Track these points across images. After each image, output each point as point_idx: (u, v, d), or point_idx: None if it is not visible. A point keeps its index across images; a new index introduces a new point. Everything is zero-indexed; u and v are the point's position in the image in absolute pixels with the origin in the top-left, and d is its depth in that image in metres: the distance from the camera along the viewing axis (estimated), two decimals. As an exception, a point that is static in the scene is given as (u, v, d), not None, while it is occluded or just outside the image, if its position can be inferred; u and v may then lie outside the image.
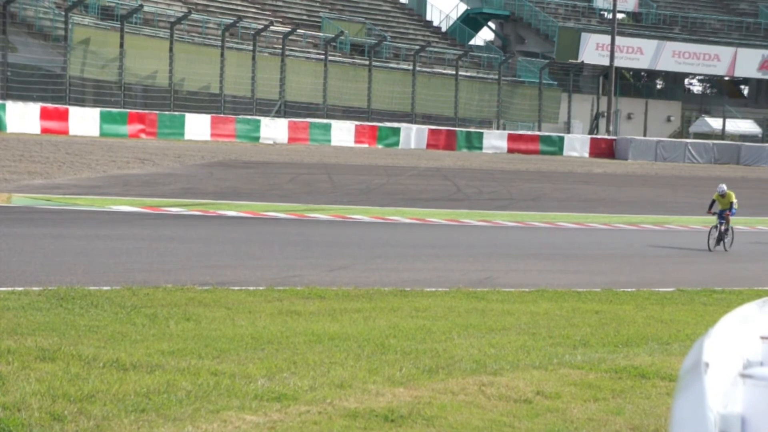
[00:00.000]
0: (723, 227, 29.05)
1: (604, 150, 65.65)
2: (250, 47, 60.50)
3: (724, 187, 29.85)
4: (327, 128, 57.59)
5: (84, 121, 49.56)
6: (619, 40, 74.16)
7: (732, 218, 29.33)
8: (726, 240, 29.07)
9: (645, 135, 75.10)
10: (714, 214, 29.69)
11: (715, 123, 79.16)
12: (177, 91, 57.51)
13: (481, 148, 61.97)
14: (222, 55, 58.67)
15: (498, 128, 68.34)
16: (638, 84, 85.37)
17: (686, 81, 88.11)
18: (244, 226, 26.75)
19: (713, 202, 29.85)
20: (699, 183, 52.39)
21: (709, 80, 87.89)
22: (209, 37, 61.88)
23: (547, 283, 20.47)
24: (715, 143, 69.61)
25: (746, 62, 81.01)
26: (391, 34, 70.78)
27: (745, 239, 31.34)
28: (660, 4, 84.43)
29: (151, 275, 17.29)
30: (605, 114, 72.51)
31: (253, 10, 67.21)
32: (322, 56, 63.21)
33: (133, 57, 55.69)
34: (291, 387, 9.94)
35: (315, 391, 9.85)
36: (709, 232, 29.15)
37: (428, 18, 78.62)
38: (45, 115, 48.33)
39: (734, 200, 28.80)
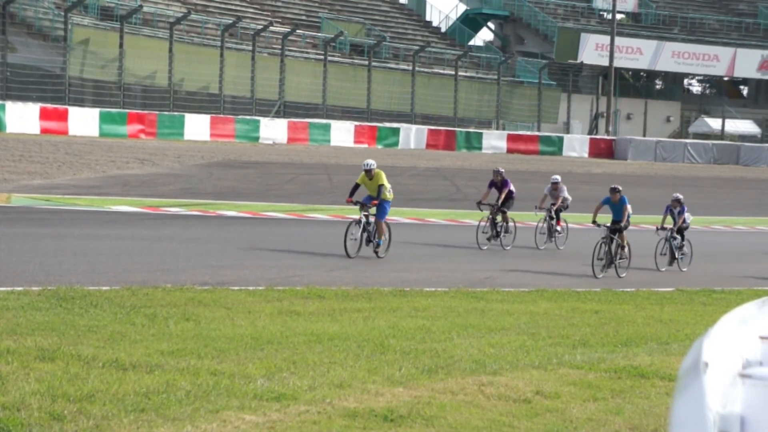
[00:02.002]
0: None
1: (603, 150, 65.64)
2: (250, 47, 60.49)
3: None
4: (326, 128, 57.58)
5: (83, 121, 49.54)
6: (618, 40, 74.16)
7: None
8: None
9: (644, 135, 75.09)
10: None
11: (715, 123, 79.15)
12: (176, 91, 57.50)
13: (480, 149, 61.96)
14: (221, 55, 58.67)
15: (497, 128, 68.33)
16: (638, 84, 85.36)
17: (685, 81, 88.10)
18: (243, 226, 26.75)
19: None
20: (698, 183, 52.38)
21: (709, 80, 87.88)
22: (208, 37, 61.86)
23: (546, 283, 20.47)
24: (714, 143, 69.62)
25: (745, 62, 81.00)
26: (390, 35, 70.77)
27: (748, 240, 31.32)
28: (659, 5, 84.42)
29: (150, 275, 17.29)
30: (605, 114, 72.50)
31: (253, 10, 67.20)
32: (322, 56, 63.20)
33: (133, 57, 55.68)
34: (290, 387, 9.94)
35: (314, 391, 9.85)
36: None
37: (428, 18, 78.60)
38: (44, 115, 48.32)
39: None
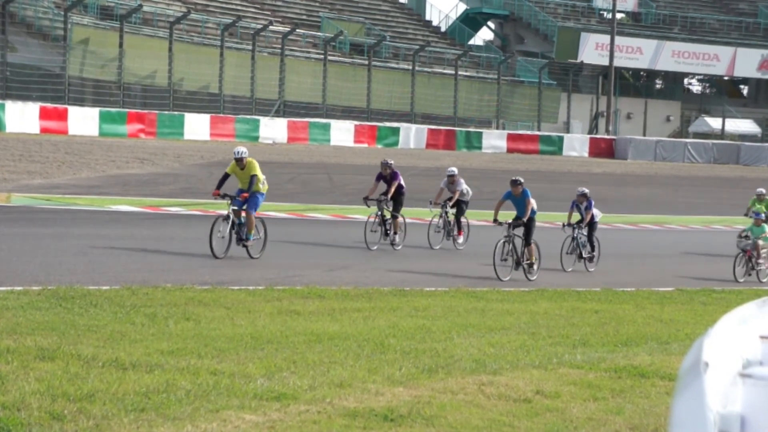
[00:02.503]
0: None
1: (603, 150, 65.63)
2: (250, 47, 60.48)
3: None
4: (326, 128, 57.58)
5: (83, 120, 49.53)
6: (618, 39, 74.14)
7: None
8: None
9: (644, 135, 75.08)
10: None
11: (715, 123, 79.14)
12: (176, 90, 57.49)
13: (480, 148, 61.95)
14: (221, 54, 58.66)
15: (497, 128, 68.32)
16: (638, 84, 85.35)
17: (686, 81, 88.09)
18: (243, 226, 26.69)
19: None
20: (698, 183, 52.40)
21: (709, 80, 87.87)
22: (208, 36, 61.85)
23: (546, 282, 20.46)
24: (714, 143, 69.62)
25: (746, 62, 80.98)
26: (390, 34, 70.76)
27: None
28: (659, 4, 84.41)
29: (150, 275, 17.28)
30: (605, 114, 72.49)
31: (253, 9, 67.19)
32: (322, 56, 63.19)
33: (133, 57, 55.66)
34: (290, 386, 9.93)
35: (314, 391, 9.85)
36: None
37: (428, 18, 78.58)
38: (44, 114, 48.30)
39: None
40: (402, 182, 24.22)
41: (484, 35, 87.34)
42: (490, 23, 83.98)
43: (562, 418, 9.82)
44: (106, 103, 54.15)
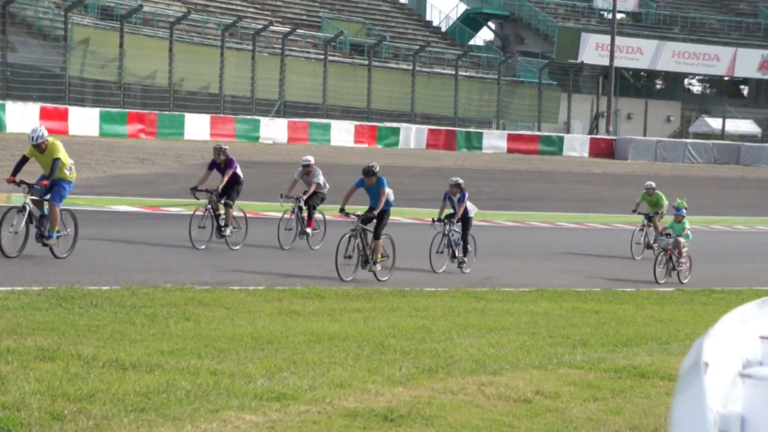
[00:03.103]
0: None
1: (603, 150, 65.63)
2: (250, 47, 60.47)
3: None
4: (326, 128, 57.57)
5: (83, 121, 49.53)
6: (618, 40, 74.13)
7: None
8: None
9: (645, 135, 75.06)
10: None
11: (715, 123, 79.14)
12: (176, 91, 57.49)
13: (480, 148, 61.95)
14: (221, 55, 58.65)
15: (498, 128, 68.31)
16: (638, 84, 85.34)
17: (686, 81, 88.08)
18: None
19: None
20: (699, 183, 52.40)
21: (709, 80, 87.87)
22: (209, 37, 61.86)
23: (546, 282, 20.46)
24: (714, 143, 69.60)
25: (746, 62, 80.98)
26: (390, 34, 70.75)
27: (749, 240, 31.34)
28: (660, 4, 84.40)
29: (150, 275, 17.28)
30: (605, 114, 72.48)
31: (253, 10, 67.19)
32: (322, 56, 63.19)
33: (133, 57, 55.66)
34: (290, 386, 9.93)
35: (314, 391, 9.85)
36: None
37: (428, 18, 78.58)
38: (44, 114, 48.29)
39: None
40: (239, 171, 21.58)
41: (485, 35, 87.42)
42: (490, 23, 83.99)
43: (562, 419, 9.82)
44: (107, 103, 54.15)
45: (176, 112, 54.09)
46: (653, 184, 27.70)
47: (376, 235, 19.34)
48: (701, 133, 77.83)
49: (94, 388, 9.33)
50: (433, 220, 21.35)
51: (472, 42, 79.97)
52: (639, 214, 26.98)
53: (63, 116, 49.04)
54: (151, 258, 19.69)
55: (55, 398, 8.95)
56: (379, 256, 19.39)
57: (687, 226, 23.30)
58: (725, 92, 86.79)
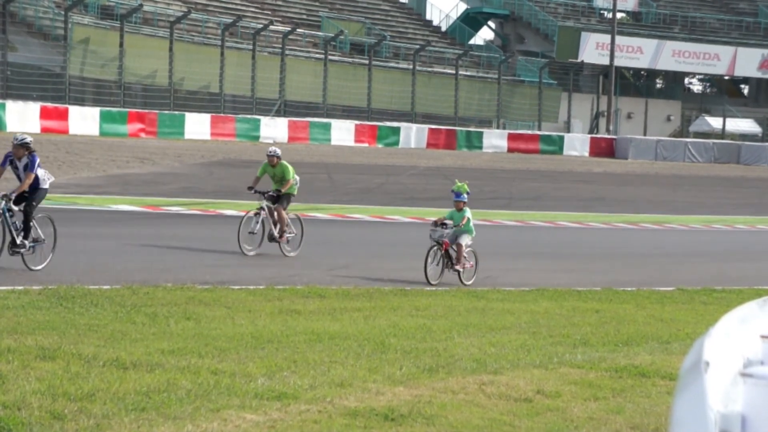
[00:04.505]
0: None
1: (604, 149, 65.63)
2: (250, 47, 60.47)
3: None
4: (327, 127, 57.57)
5: (84, 120, 49.53)
6: (619, 39, 74.12)
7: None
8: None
9: (645, 134, 75.06)
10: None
11: (715, 122, 79.14)
12: (177, 90, 57.49)
13: (481, 148, 61.95)
14: (222, 54, 58.65)
15: (498, 127, 68.31)
16: (638, 83, 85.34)
17: (686, 80, 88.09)
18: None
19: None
20: (699, 182, 52.41)
21: (709, 79, 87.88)
22: (209, 36, 61.85)
23: (547, 282, 20.45)
24: (714, 142, 69.60)
25: (746, 61, 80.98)
26: (390, 34, 70.75)
27: (749, 239, 31.32)
28: (660, 4, 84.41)
29: (151, 274, 17.28)
30: (605, 113, 72.48)
31: (253, 9, 67.19)
32: (322, 56, 63.18)
33: (133, 56, 55.66)
34: (291, 386, 9.93)
35: (315, 390, 9.85)
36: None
37: (428, 17, 78.58)
38: (45, 114, 48.30)
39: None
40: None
41: (485, 35, 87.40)
42: (490, 23, 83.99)
43: (563, 418, 9.82)
44: (107, 102, 54.15)
45: (176, 112, 54.10)
46: (278, 150, 22.54)
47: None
48: (701, 133, 77.83)
49: (94, 388, 9.33)
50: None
51: (472, 41, 79.99)
52: None
53: (63, 116, 49.03)
54: (151, 257, 19.69)
55: (56, 397, 8.95)
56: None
57: (468, 214, 19.54)
58: (725, 91, 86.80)
